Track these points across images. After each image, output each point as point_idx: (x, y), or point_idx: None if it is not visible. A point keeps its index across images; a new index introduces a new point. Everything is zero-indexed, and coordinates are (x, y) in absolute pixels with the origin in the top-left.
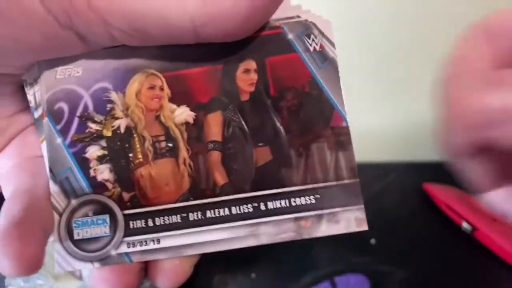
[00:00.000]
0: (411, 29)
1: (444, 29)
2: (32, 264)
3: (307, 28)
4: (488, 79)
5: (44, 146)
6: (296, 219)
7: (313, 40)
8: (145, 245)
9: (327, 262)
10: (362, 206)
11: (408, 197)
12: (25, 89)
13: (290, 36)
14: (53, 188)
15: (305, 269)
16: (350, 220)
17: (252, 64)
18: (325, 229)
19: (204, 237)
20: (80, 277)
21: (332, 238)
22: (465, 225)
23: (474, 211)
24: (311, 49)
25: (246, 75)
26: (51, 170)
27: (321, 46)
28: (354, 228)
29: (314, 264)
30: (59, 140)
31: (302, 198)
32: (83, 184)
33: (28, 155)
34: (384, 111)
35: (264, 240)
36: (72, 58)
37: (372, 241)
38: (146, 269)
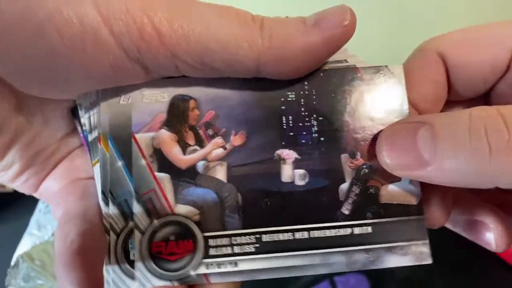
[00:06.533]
0: None
1: None
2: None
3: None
4: None
5: (97, 168)
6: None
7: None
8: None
9: None
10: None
11: None
12: (79, 112)
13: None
14: (112, 209)
15: None
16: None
17: None
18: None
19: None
20: None
21: None
22: None
23: None
24: None
25: None
26: (110, 192)
27: None
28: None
29: None
30: (120, 163)
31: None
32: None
33: (76, 177)
34: None
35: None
36: (133, 87)
37: None
38: None
